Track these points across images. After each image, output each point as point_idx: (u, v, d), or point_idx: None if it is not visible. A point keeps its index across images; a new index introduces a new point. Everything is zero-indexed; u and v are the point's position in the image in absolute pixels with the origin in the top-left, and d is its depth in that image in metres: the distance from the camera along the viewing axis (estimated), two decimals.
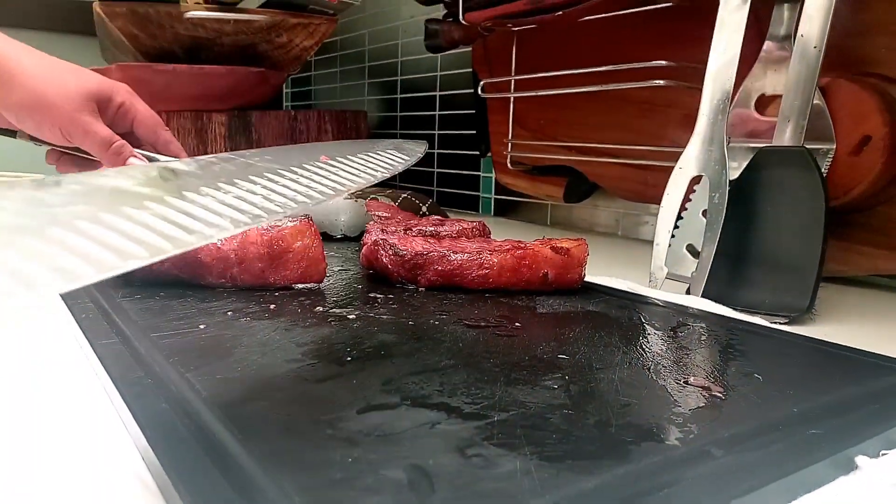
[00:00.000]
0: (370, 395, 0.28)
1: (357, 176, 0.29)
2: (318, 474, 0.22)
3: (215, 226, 0.21)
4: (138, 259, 0.18)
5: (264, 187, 0.24)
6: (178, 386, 0.29)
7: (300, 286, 0.48)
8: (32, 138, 0.59)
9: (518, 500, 0.20)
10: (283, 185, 0.25)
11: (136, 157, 0.57)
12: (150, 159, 0.60)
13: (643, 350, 0.36)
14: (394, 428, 0.25)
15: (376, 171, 0.31)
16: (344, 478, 0.21)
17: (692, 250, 0.56)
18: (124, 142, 0.56)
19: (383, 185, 1.29)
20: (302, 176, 0.26)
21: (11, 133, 0.60)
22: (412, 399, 0.28)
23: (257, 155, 0.27)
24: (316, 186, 0.26)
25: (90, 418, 0.28)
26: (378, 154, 0.33)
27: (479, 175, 1.13)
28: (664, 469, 0.23)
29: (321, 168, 0.28)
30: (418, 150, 0.38)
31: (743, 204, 0.52)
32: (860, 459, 0.25)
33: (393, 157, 0.34)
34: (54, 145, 0.58)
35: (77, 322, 0.38)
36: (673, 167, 0.56)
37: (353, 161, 0.31)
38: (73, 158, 0.60)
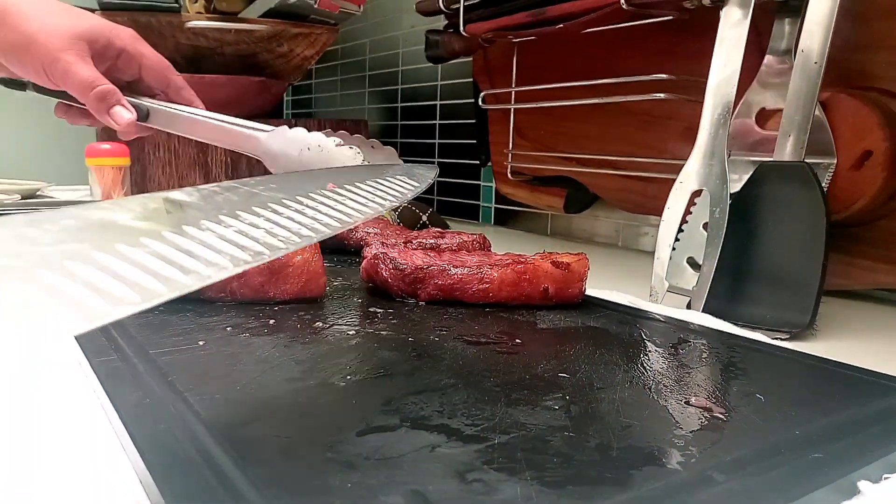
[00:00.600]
0: (370, 417, 0.28)
1: (365, 206, 0.29)
2: (318, 501, 0.22)
3: (214, 265, 0.20)
4: (130, 305, 0.17)
5: (268, 220, 0.24)
6: (177, 407, 0.29)
7: (300, 300, 0.48)
8: (38, 89, 0.58)
9: None
10: (288, 217, 0.25)
11: (123, 105, 0.54)
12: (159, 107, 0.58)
13: (644, 368, 0.36)
14: (393, 451, 0.25)
15: (385, 199, 0.31)
16: (343, 501, 0.21)
17: (693, 263, 0.56)
18: (111, 87, 0.53)
19: None
20: (308, 206, 0.26)
21: (21, 86, 0.60)
22: (412, 420, 0.28)
23: (262, 183, 0.27)
24: (322, 218, 0.26)
25: (89, 440, 0.28)
26: (388, 180, 0.33)
27: (479, 184, 1.13)
28: (666, 495, 0.23)
29: (328, 197, 0.28)
30: (429, 175, 0.38)
31: (744, 218, 0.52)
32: (862, 484, 0.25)
33: (403, 184, 0.34)
34: (60, 97, 0.57)
35: (75, 338, 0.38)
36: (673, 179, 0.56)
37: (362, 189, 0.30)
38: (82, 111, 0.58)
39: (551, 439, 0.27)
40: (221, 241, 0.21)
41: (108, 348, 0.36)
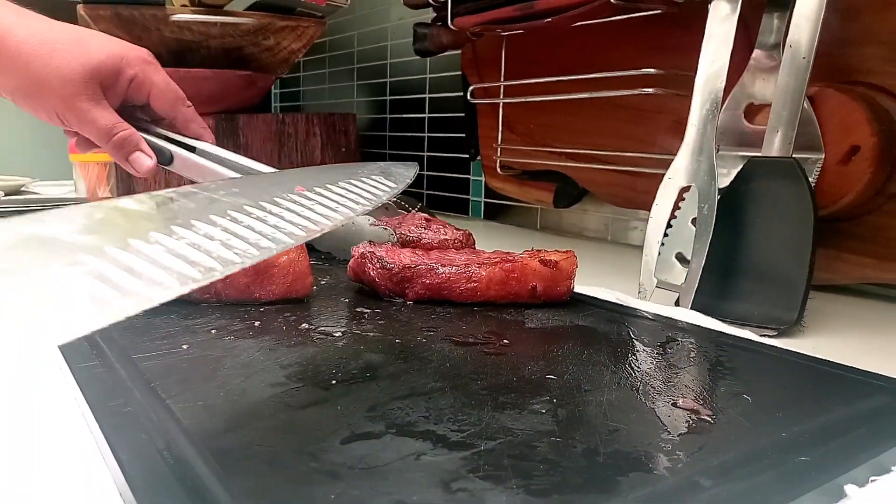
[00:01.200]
0: (354, 423, 0.28)
1: (335, 210, 0.28)
2: None
3: (159, 284, 0.19)
4: (57, 337, 0.16)
5: (225, 230, 0.23)
6: (159, 414, 0.28)
7: (286, 301, 0.47)
8: None
9: None
10: (248, 227, 0.24)
11: (143, 150, 0.52)
12: (168, 141, 0.55)
13: (632, 368, 0.36)
14: (378, 460, 0.25)
15: (358, 202, 0.30)
16: None
17: (681, 258, 0.56)
18: (129, 133, 0.51)
19: None
20: (271, 213, 0.25)
21: None
22: (397, 427, 0.28)
23: (224, 188, 0.26)
24: (285, 226, 0.25)
25: (68, 450, 0.27)
26: (362, 181, 0.32)
27: (468, 178, 1.12)
28: (652, 502, 0.23)
29: (295, 202, 0.27)
30: (408, 174, 0.37)
31: (732, 214, 0.52)
32: (849, 488, 0.25)
33: (379, 185, 0.33)
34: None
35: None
36: (662, 174, 0.56)
37: (333, 191, 0.29)
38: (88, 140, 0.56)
39: (538, 445, 0.26)
40: (171, 257, 0.20)
41: (90, 353, 0.36)
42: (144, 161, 0.53)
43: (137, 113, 0.57)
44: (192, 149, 0.55)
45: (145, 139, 0.54)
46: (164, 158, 0.54)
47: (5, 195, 1.06)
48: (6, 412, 0.31)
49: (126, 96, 0.53)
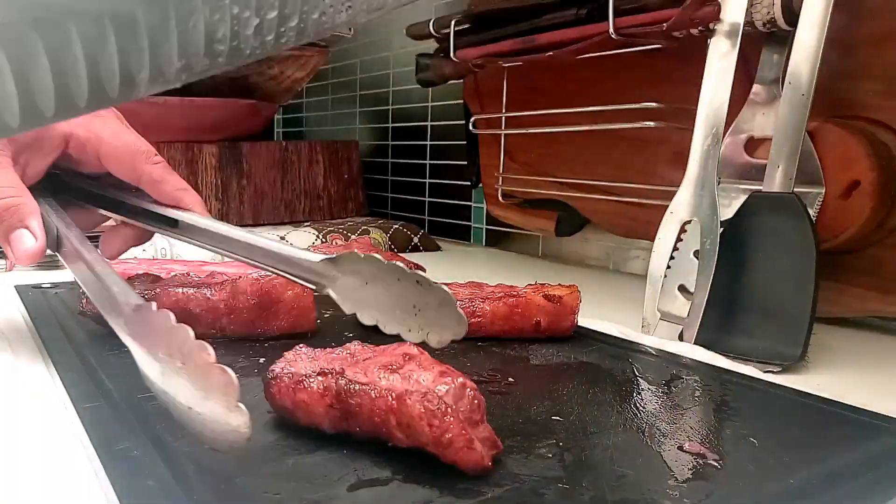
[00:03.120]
0: (361, 469, 0.28)
1: None
2: None
3: None
4: None
5: None
6: (165, 459, 0.28)
7: (291, 336, 0.48)
8: None
9: None
10: None
11: (29, 228, 0.39)
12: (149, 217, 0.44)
13: (637, 409, 0.36)
14: None
15: None
16: None
17: (684, 290, 0.56)
18: (20, 201, 0.39)
19: (375, 214, 1.29)
20: None
21: None
22: (404, 473, 0.28)
23: None
24: None
25: (73, 495, 0.27)
26: None
27: (470, 205, 1.13)
28: None
29: None
30: None
31: (735, 249, 0.52)
32: None
33: None
34: None
35: (62, 381, 0.37)
36: (664, 205, 0.56)
37: None
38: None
39: (545, 492, 0.26)
40: None
41: (95, 393, 0.35)
42: (25, 241, 0.40)
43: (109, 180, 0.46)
44: (173, 222, 0.44)
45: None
46: (51, 239, 0.42)
47: None
48: (5, 452, 0.30)
49: (64, 157, 0.43)
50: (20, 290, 0.60)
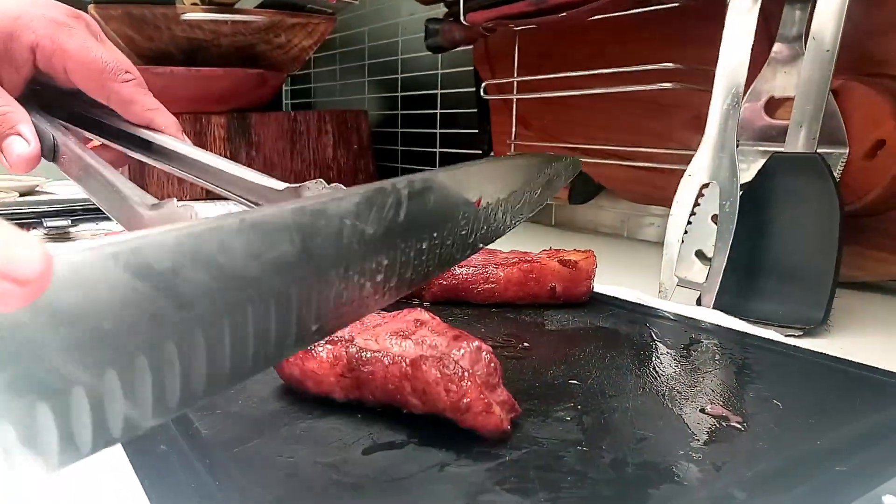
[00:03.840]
0: (376, 432, 0.27)
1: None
2: None
3: None
4: None
5: None
6: (178, 424, 0.28)
7: None
8: None
9: None
10: None
11: (21, 135, 0.38)
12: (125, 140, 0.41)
13: (656, 372, 0.35)
14: (401, 471, 0.24)
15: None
16: None
17: (701, 255, 0.55)
18: (7, 110, 0.38)
19: None
20: None
21: None
22: (420, 436, 0.27)
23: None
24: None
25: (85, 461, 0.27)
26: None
27: None
28: None
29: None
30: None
31: (754, 211, 0.51)
32: (887, 499, 0.24)
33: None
34: None
35: None
36: (681, 170, 0.55)
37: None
38: None
39: (564, 455, 0.26)
40: None
41: None
42: (16, 147, 0.38)
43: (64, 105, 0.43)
44: (147, 144, 0.41)
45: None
46: (47, 147, 0.40)
47: (20, 195, 1.07)
48: None
49: (37, 71, 0.41)
50: None
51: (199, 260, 0.17)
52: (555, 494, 0.23)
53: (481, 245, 0.28)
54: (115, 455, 0.26)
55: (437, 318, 0.32)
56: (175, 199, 0.33)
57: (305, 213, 0.19)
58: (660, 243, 0.56)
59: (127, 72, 0.41)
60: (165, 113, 0.41)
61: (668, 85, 0.64)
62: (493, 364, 0.28)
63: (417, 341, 0.29)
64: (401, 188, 0.22)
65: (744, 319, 0.46)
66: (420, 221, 0.23)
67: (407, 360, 0.27)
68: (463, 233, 0.26)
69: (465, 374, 0.26)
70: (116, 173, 0.37)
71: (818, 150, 0.49)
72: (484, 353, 0.28)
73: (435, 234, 0.24)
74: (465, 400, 0.26)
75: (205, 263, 0.17)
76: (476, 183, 0.26)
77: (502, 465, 0.25)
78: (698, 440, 0.27)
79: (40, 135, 0.40)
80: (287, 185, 0.35)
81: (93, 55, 0.40)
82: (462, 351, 0.27)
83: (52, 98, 0.43)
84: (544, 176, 0.31)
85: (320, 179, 0.35)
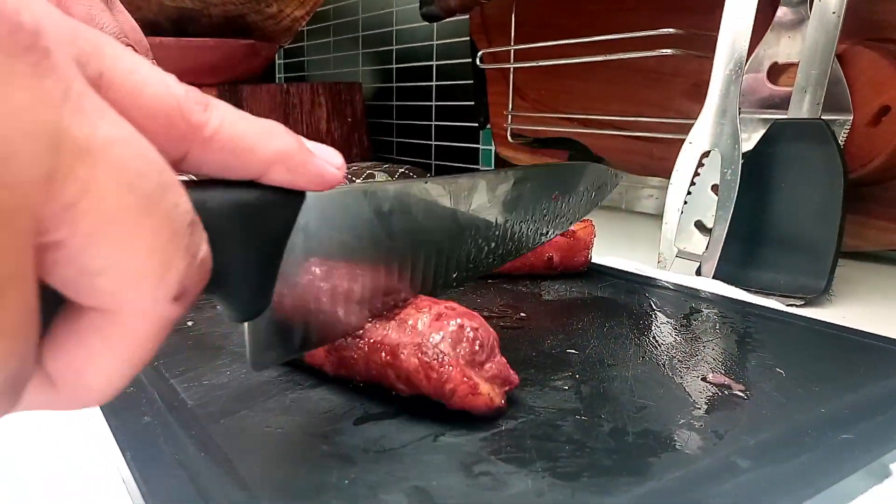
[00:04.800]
0: (368, 403, 0.27)
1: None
2: (314, 501, 0.20)
3: None
4: None
5: None
6: (163, 395, 0.27)
7: None
8: None
9: None
10: None
11: None
12: None
13: (656, 341, 0.34)
14: (394, 442, 0.24)
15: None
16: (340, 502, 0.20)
17: (701, 226, 0.54)
18: None
19: (380, 159, 1.26)
20: None
21: None
22: (413, 407, 0.26)
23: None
24: None
25: (66, 434, 0.26)
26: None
27: (478, 148, 1.10)
28: (688, 486, 0.21)
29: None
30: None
31: (756, 179, 0.49)
32: (895, 466, 0.24)
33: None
34: None
35: None
36: (680, 139, 0.54)
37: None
38: None
39: (562, 424, 0.25)
40: None
41: None
42: None
43: None
44: None
45: None
46: None
47: None
48: None
49: None
50: None
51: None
52: (552, 464, 0.22)
53: (546, 236, 0.35)
54: (98, 426, 0.25)
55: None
56: None
57: (457, 185, 0.28)
58: (658, 216, 0.55)
59: (126, 42, 0.38)
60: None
61: (668, 51, 0.62)
62: (477, 340, 0.25)
63: (400, 322, 0.26)
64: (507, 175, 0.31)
65: (744, 289, 0.45)
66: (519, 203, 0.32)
67: (387, 347, 0.26)
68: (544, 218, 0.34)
69: (445, 358, 0.24)
70: None
71: (822, 117, 0.48)
72: (467, 329, 0.25)
73: (530, 214, 0.33)
74: (448, 386, 0.24)
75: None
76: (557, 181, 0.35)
77: (498, 434, 0.24)
78: (700, 409, 0.27)
79: None
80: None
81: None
82: (440, 334, 0.25)
83: None
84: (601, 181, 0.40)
85: None
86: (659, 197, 0.84)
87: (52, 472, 0.23)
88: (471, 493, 0.20)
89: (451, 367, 0.24)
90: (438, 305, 0.26)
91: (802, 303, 0.45)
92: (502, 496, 0.20)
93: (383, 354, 0.26)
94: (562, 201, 0.35)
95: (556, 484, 0.21)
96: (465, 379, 0.24)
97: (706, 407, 0.27)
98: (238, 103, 1.05)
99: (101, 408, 0.26)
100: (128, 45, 0.38)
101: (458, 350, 0.25)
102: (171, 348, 0.32)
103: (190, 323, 0.36)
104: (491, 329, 0.26)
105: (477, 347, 0.25)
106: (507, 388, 0.26)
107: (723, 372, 0.30)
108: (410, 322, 0.26)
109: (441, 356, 0.24)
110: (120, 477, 0.22)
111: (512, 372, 0.26)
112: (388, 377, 0.26)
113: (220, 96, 1.03)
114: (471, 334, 0.25)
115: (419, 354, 0.25)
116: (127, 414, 0.25)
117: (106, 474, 0.23)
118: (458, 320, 0.25)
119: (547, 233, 0.35)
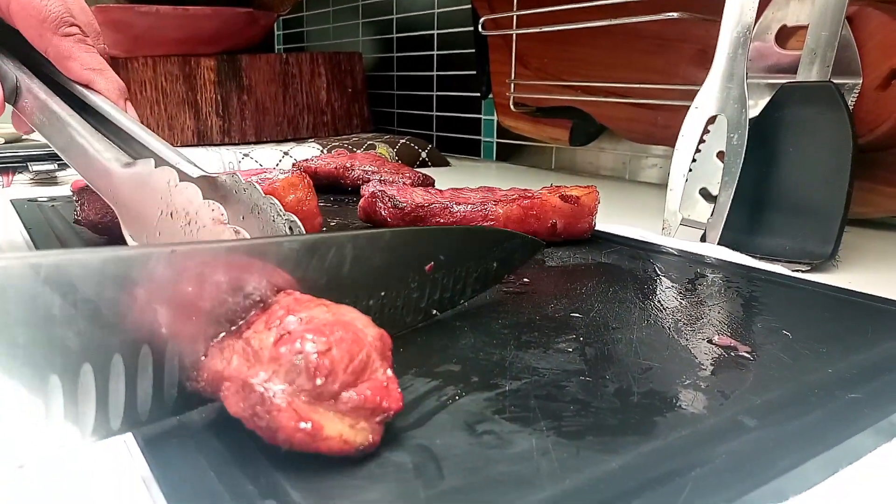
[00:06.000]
0: None
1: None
2: (315, 459, 0.20)
3: None
4: None
5: None
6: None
7: None
8: None
9: (536, 485, 0.18)
10: None
11: None
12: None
13: (661, 305, 0.34)
14: None
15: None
16: (343, 462, 0.19)
17: (706, 194, 0.53)
18: None
19: (381, 131, 1.25)
20: None
21: None
22: (416, 366, 0.26)
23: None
24: None
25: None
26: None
27: (480, 118, 1.09)
28: (694, 444, 0.21)
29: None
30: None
31: (763, 145, 0.49)
32: None
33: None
34: None
35: None
36: (686, 106, 0.53)
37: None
38: None
39: (566, 385, 0.25)
40: None
41: None
42: None
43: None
44: (82, 105, 0.37)
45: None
46: (8, 89, 0.37)
47: (5, 142, 1.04)
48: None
49: None
50: (16, 204, 0.58)
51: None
52: (557, 423, 0.22)
53: (435, 312, 0.30)
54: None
55: (294, 293, 0.22)
56: (152, 160, 0.31)
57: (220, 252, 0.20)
58: (662, 185, 0.54)
59: (72, 24, 0.37)
60: (110, 76, 0.38)
61: (674, 15, 0.61)
62: (324, 367, 0.19)
63: (245, 344, 0.20)
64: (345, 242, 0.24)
65: (750, 255, 0.45)
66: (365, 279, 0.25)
67: (217, 386, 0.20)
68: (415, 296, 0.28)
69: (274, 399, 0.18)
70: (86, 125, 0.34)
71: (832, 80, 0.47)
72: (310, 353, 0.19)
73: (383, 294, 0.26)
74: (279, 435, 0.18)
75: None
76: (426, 248, 0.28)
77: (501, 394, 0.24)
78: (706, 370, 0.26)
79: (2, 76, 0.37)
80: (203, 172, 0.31)
81: (33, 2, 0.36)
82: (267, 372, 0.19)
83: (11, 38, 0.39)
84: (501, 251, 0.33)
85: (236, 172, 0.32)
86: (663, 166, 0.83)
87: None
88: (475, 451, 0.20)
89: (279, 413, 0.18)
90: (293, 316, 0.20)
91: (808, 268, 0.44)
92: (506, 454, 0.20)
93: (221, 390, 0.20)
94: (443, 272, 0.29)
95: (561, 442, 0.21)
96: (300, 425, 0.18)
97: (712, 368, 0.27)
98: (237, 73, 1.04)
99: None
100: (73, 25, 0.37)
101: (294, 384, 0.19)
102: None
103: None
104: (367, 341, 0.20)
105: (321, 379, 0.19)
106: (380, 419, 0.20)
107: (728, 334, 0.30)
108: (256, 343, 0.20)
109: (265, 398, 0.19)
110: (125, 447, 0.22)
111: (393, 394, 0.20)
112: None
113: (219, 66, 1.02)
114: (314, 359, 0.19)
115: (241, 398, 0.19)
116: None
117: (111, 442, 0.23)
118: (299, 343, 0.19)
119: (426, 306, 0.29)
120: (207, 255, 0.20)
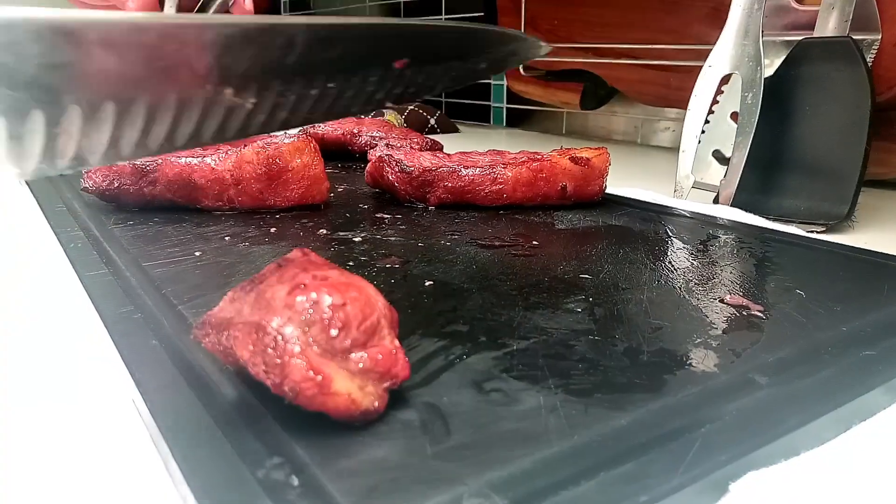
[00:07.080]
0: None
1: None
2: (323, 418, 0.20)
3: None
4: None
5: None
6: (170, 320, 0.27)
7: (302, 207, 0.45)
8: None
9: (544, 441, 0.18)
10: None
11: None
12: None
13: (672, 266, 0.34)
14: None
15: None
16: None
17: (719, 157, 0.52)
18: None
19: None
20: None
21: None
22: (423, 327, 0.26)
23: None
24: None
25: (76, 357, 0.26)
26: None
27: (489, 83, 1.07)
28: (704, 401, 0.21)
29: None
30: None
31: (778, 104, 0.48)
32: None
33: None
34: None
35: (65, 252, 0.36)
36: (699, 67, 0.52)
37: None
38: None
39: (575, 344, 0.24)
40: None
41: (98, 262, 0.34)
42: None
43: None
44: None
45: None
46: None
47: None
48: (9, 318, 0.29)
49: None
50: None
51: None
52: (565, 381, 0.22)
53: (388, 103, 0.24)
54: (106, 348, 0.25)
55: (311, 255, 0.22)
56: None
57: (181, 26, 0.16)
58: (675, 149, 0.53)
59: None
60: None
61: None
62: (339, 321, 0.19)
63: (258, 296, 0.20)
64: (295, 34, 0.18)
65: (764, 217, 0.44)
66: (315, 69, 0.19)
67: (231, 334, 0.20)
68: (370, 89, 0.22)
69: (286, 346, 0.18)
70: None
71: (850, 35, 0.46)
72: (325, 305, 0.19)
73: (331, 85, 0.20)
74: (286, 384, 0.18)
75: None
76: (401, 44, 0.21)
77: (509, 353, 0.24)
78: (717, 329, 0.26)
79: None
80: None
81: None
82: (280, 319, 0.18)
83: None
84: (496, 53, 0.25)
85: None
86: (675, 130, 0.82)
87: (59, 394, 0.23)
88: (482, 408, 0.20)
89: (291, 358, 0.18)
90: (307, 273, 0.20)
91: (823, 229, 0.44)
92: (514, 411, 0.20)
93: (225, 336, 0.20)
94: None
95: (569, 400, 0.20)
96: (310, 374, 0.18)
97: (723, 327, 0.26)
98: None
99: (111, 332, 0.25)
100: None
101: (307, 334, 0.18)
102: (179, 277, 0.32)
103: (198, 253, 0.36)
104: (378, 305, 0.20)
105: (336, 331, 0.18)
106: (387, 386, 0.19)
107: (741, 294, 0.30)
108: (267, 295, 0.20)
109: (279, 342, 0.18)
110: (128, 395, 0.22)
111: (401, 362, 0.20)
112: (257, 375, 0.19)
113: None
114: (328, 313, 0.18)
115: (250, 342, 0.18)
116: (134, 338, 0.25)
117: (112, 390, 0.23)
118: (315, 293, 0.19)
119: (380, 98, 0.23)
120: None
